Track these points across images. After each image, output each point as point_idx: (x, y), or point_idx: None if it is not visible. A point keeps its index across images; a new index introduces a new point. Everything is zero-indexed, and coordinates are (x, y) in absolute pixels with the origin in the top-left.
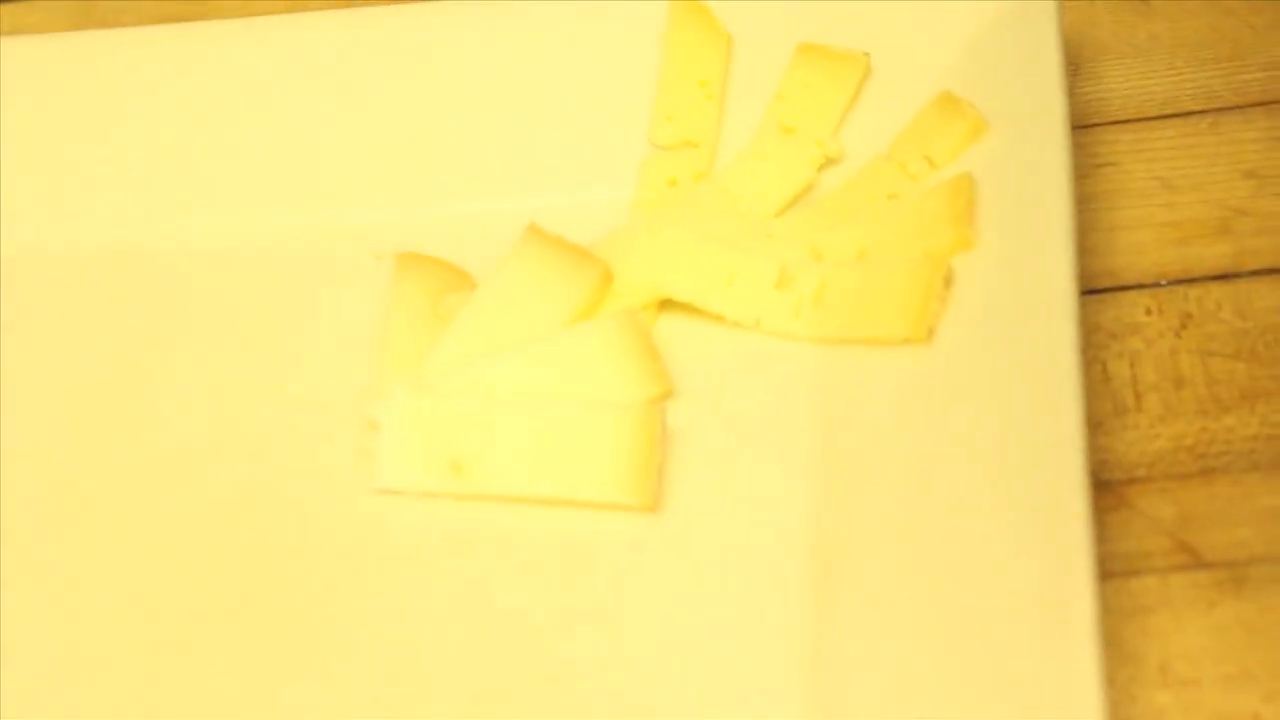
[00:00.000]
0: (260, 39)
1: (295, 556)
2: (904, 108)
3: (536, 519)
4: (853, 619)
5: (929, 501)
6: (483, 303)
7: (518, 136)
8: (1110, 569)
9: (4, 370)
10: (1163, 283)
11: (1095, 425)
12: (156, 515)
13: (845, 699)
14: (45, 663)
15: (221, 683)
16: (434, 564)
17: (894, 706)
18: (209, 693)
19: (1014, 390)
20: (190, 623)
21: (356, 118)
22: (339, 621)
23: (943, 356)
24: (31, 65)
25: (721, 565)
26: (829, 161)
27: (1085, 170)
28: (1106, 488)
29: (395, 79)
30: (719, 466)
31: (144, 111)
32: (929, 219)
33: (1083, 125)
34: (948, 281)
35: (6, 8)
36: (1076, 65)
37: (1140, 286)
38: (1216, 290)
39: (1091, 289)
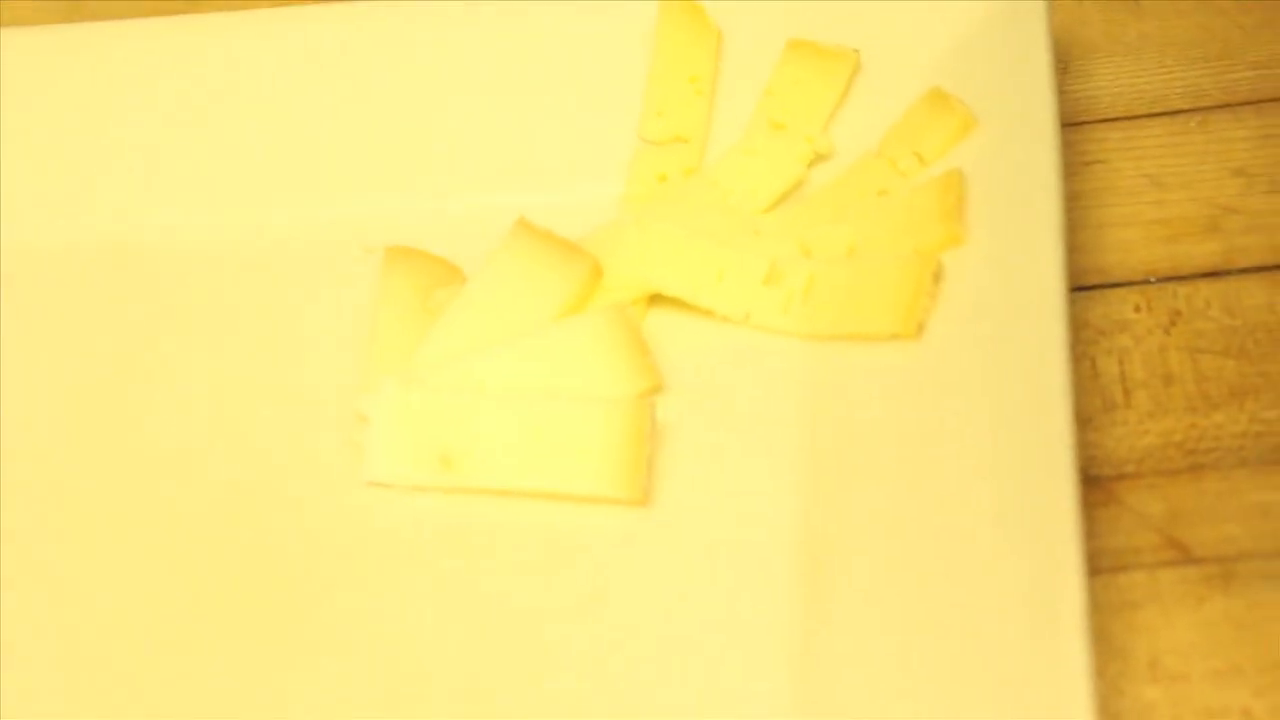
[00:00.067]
0: (251, 33)
1: (284, 549)
2: (894, 104)
3: (526, 512)
4: (841, 614)
5: (918, 497)
6: (472, 297)
7: (508, 131)
8: (1099, 564)
9: None
10: (1152, 280)
11: (1084, 421)
12: (147, 507)
13: (834, 694)
14: (34, 649)
15: (212, 674)
16: (423, 557)
17: (883, 701)
18: (200, 683)
19: (1003, 386)
20: (180, 614)
21: (347, 112)
22: (329, 614)
23: (932, 352)
24: (20, 57)
25: (711, 559)
26: (819, 157)
27: (1074, 168)
28: (1095, 484)
29: (386, 74)
30: (708, 461)
31: (132, 105)
32: (919, 215)
33: (1072, 123)
34: (937, 277)
35: None
36: (1066, 63)
37: (1129, 284)
38: (1205, 288)
39: (1080, 286)
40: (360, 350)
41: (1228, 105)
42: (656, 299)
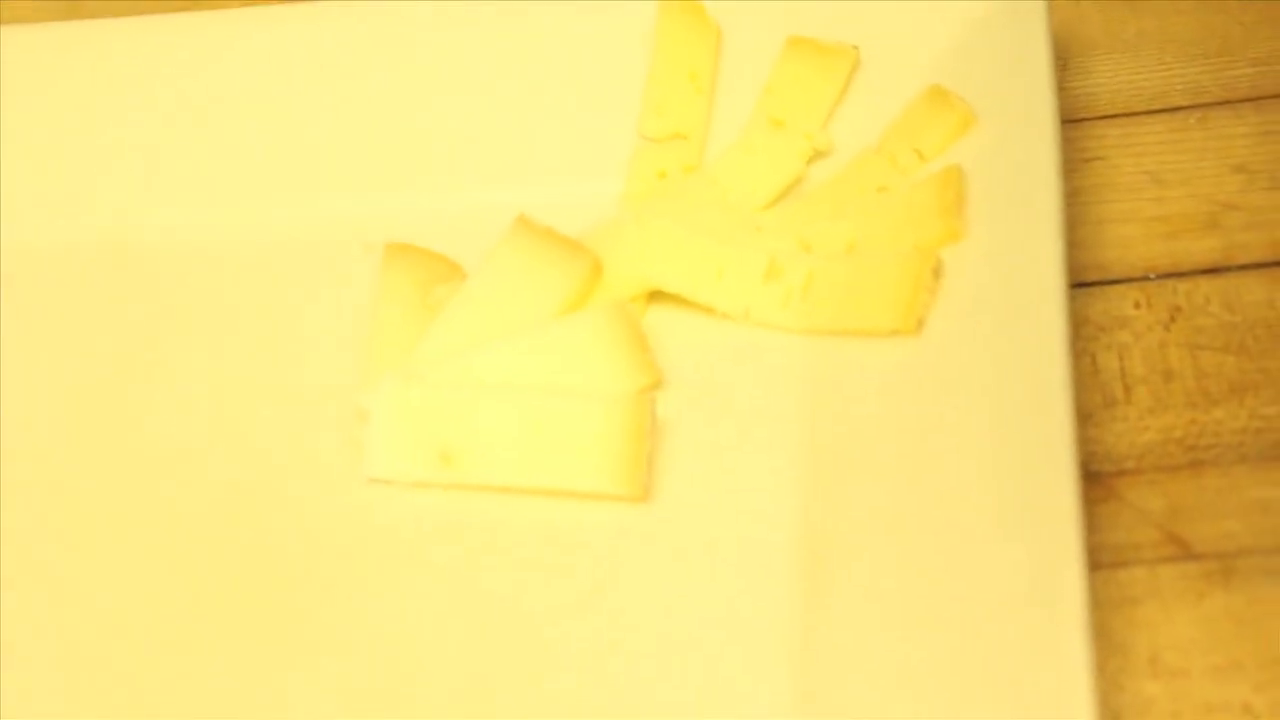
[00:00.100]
0: (251, 30)
1: (285, 546)
2: (893, 101)
3: (526, 509)
4: (841, 609)
5: (918, 493)
6: (472, 293)
7: (508, 128)
8: (1099, 560)
9: None
10: (1151, 276)
11: (1084, 417)
12: (147, 504)
13: (834, 689)
14: (33, 642)
15: (212, 670)
16: (423, 553)
17: (883, 696)
18: (200, 678)
19: (1003, 382)
20: (180, 610)
21: (347, 109)
22: (329, 611)
23: (932, 348)
24: (19, 55)
25: (710, 555)
26: (818, 154)
27: (1074, 164)
28: (1096, 479)
29: (386, 71)
30: (708, 457)
31: (131, 103)
32: (918, 211)
33: (1072, 120)
34: (937, 273)
35: None
36: (1065, 60)
37: (1129, 280)
38: (1205, 284)
39: (1080, 282)
40: (360, 347)
41: (1227, 102)
42: (656, 295)
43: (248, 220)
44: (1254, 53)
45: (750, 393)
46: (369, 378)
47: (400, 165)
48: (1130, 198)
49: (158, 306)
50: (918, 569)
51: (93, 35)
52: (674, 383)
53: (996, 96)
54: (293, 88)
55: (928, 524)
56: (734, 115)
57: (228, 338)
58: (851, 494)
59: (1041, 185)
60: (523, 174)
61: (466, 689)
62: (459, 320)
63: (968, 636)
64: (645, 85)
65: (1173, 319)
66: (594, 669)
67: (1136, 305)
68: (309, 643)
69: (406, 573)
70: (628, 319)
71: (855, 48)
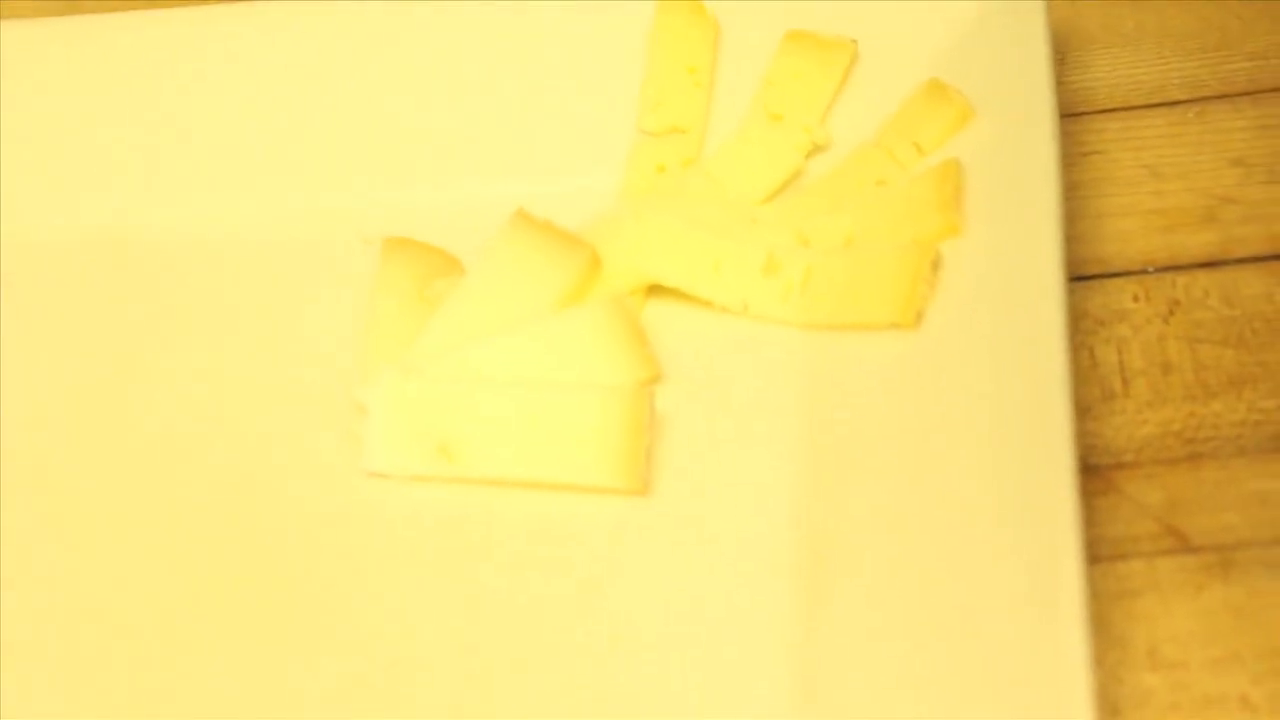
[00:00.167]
0: (249, 26)
1: (284, 540)
2: (892, 95)
3: (525, 502)
4: (840, 602)
5: (917, 486)
6: (471, 287)
7: (507, 122)
8: (1098, 553)
9: None
10: (1150, 270)
11: (1083, 411)
12: (146, 498)
13: (833, 682)
14: (32, 629)
15: (211, 663)
16: (422, 547)
17: (882, 689)
18: (199, 671)
19: (1002, 376)
20: (179, 604)
21: (345, 103)
22: (327, 605)
23: (931, 342)
24: (18, 50)
25: (710, 549)
26: (817, 148)
27: (1073, 158)
28: (1094, 472)
29: (386, 64)
30: (707, 450)
31: (130, 98)
32: (917, 205)
33: (1070, 114)
34: (935, 267)
35: None
36: (1064, 54)
37: (1128, 273)
38: (1204, 277)
39: (1079, 276)
40: (359, 341)
41: (1225, 96)
42: (655, 289)
43: (246, 215)
44: (1252, 47)
45: (749, 386)
46: (367, 372)
47: (398, 159)
48: (1129, 191)
49: (156, 301)
50: (916, 562)
51: (92, 30)
52: (673, 376)
53: (995, 90)
54: (291, 83)
55: (926, 517)
56: (732, 109)
57: (226, 332)
58: (850, 487)
59: (1040, 179)
60: (521, 168)
61: (465, 682)
62: (457, 314)
63: (966, 629)
64: (644, 79)
65: (1171, 312)
66: (593, 662)
67: (1135, 299)
68: (307, 636)
69: (405, 566)
70: (626, 313)
71: (853, 42)
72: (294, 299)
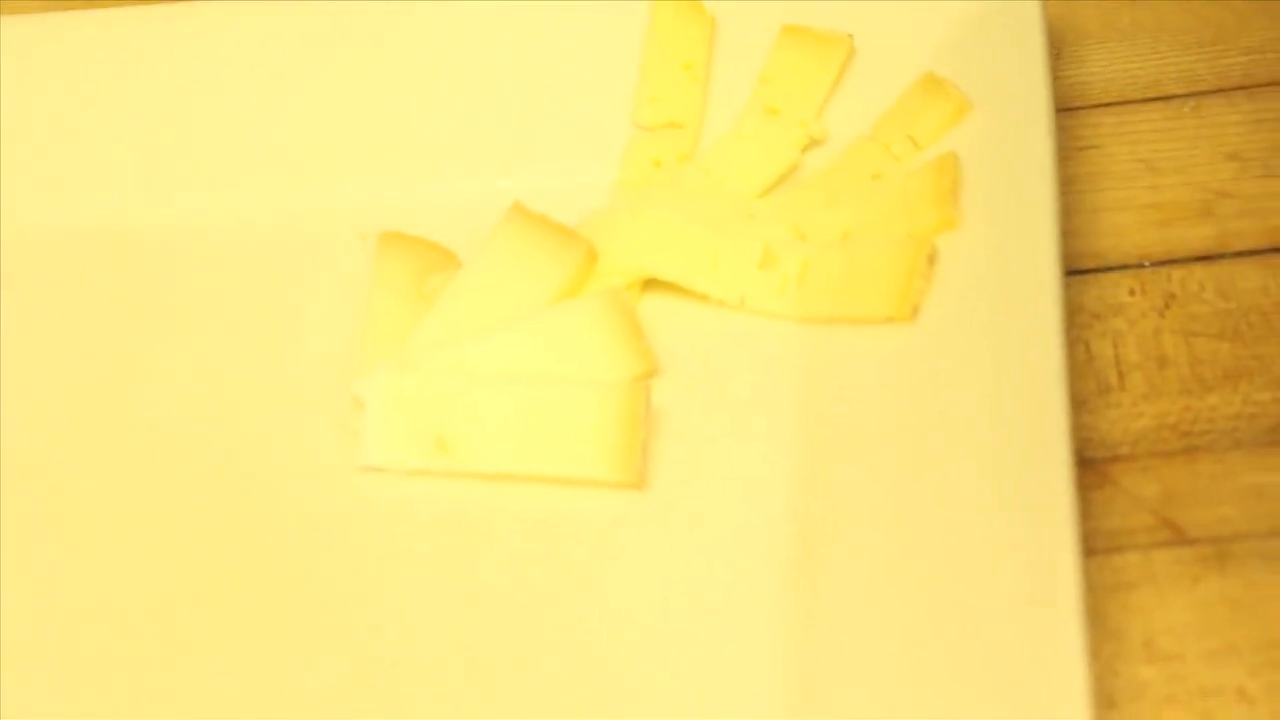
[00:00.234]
0: (247, 21)
1: (280, 534)
2: (888, 89)
3: (521, 496)
4: (836, 596)
5: (913, 479)
6: (467, 282)
7: (503, 116)
8: (1094, 546)
9: None
10: (1146, 264)
11: (1079, 404)
12: (142, 492)
13: (828, 676)
14: (31, 622)
15: (208, 658)
16: (419, 541)
17: (878, 683)
18: (196, 666)
19: (998, 369)
20: (175, 599)
21: (342, 98)
22: (324, 599)
23: (927, 336)
24: (17, 44)
25: (706, 542)
26: (813, 142)
27: (1069, 153)
28: (1090, 465)
29: (382, 60)
30: (703, 444)
31: (128, 92)
32: (913, 199)
33: (1066, 108)
34: (932, 261)
35: None
36: (1060, 48)
37: (1123, 267)
38: (1200, 271)
39: (1075, 270)
40: (355, 335)
41: (1221, 90)
42: (651, 283)
43: (243, 209)
44: (1247, 41)
45: (745, 380)
46: (364, 366)
47: (395, 155)
48: (1125, 185)
49: (153, 295)
50: (912, 555)
51: (90, 25)
52: (669, 370)
53: (991, 84)
54: (288, 78)
55: (923, 510)
56: (729, 103)
57: (223, 327)
58: (846, 481)
59: (1036, 173)
60: (517, 162)
61: (461, 676)
62: (454, 308)
63: (962, 622)
64: (640, 74)
65: (1167, 306)
66: (589, 655)
67: (1131, 292)
68: (304, 631)
69: (402, 560)
70: (622, 307)
71: (850, 36)
72: (291, 294)
